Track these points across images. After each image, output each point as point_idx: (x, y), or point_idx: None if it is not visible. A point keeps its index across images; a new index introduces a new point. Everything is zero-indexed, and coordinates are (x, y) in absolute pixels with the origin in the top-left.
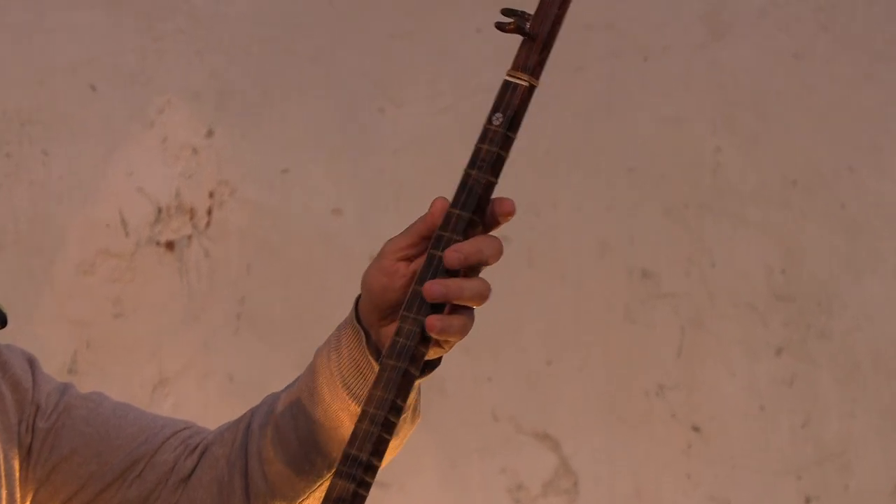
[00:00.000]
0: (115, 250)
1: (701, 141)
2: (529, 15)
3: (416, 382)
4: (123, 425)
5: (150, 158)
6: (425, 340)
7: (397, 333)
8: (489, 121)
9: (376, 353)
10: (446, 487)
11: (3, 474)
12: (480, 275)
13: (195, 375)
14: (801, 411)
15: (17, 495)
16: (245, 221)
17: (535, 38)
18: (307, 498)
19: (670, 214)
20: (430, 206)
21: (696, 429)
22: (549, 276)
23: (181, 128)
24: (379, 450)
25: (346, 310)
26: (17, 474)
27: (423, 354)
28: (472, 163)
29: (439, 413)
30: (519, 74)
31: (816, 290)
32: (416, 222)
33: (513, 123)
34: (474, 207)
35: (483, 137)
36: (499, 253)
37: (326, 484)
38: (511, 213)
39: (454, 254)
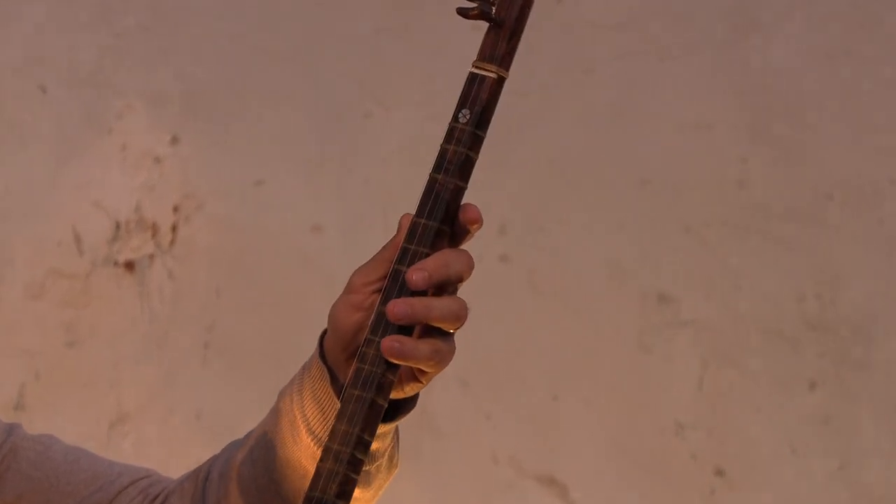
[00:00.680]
0: (67, 271)
1: (724, 150)
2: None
3: (393, 425)
4: (75, 471)
5: (107, 169)
6: (393, 367)
7: (361, 360)
8: (455, 118)
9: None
10: None
11: None
12: (459, 293)
13: (158, 411)
14: (837, 453)
15: None
16: (214, 239)
17: (502, 24)
18: None
19: (690, 232)
20: (398, 227)
21: (719, 472)
22: (554, 301)
23: (142, 134)
24: (345, 491)
25: None
26: None
27: (392, 383)
28: (438, 166)
29: (432, 455)
30: (486, 66)
31: (854, 317)
32: (384, 248)
33: (481, 120)
34: (442, 216)
35: (449, 137)
36: (470, 267)
37: None
38: (477, 221)
39: (418, 273)
